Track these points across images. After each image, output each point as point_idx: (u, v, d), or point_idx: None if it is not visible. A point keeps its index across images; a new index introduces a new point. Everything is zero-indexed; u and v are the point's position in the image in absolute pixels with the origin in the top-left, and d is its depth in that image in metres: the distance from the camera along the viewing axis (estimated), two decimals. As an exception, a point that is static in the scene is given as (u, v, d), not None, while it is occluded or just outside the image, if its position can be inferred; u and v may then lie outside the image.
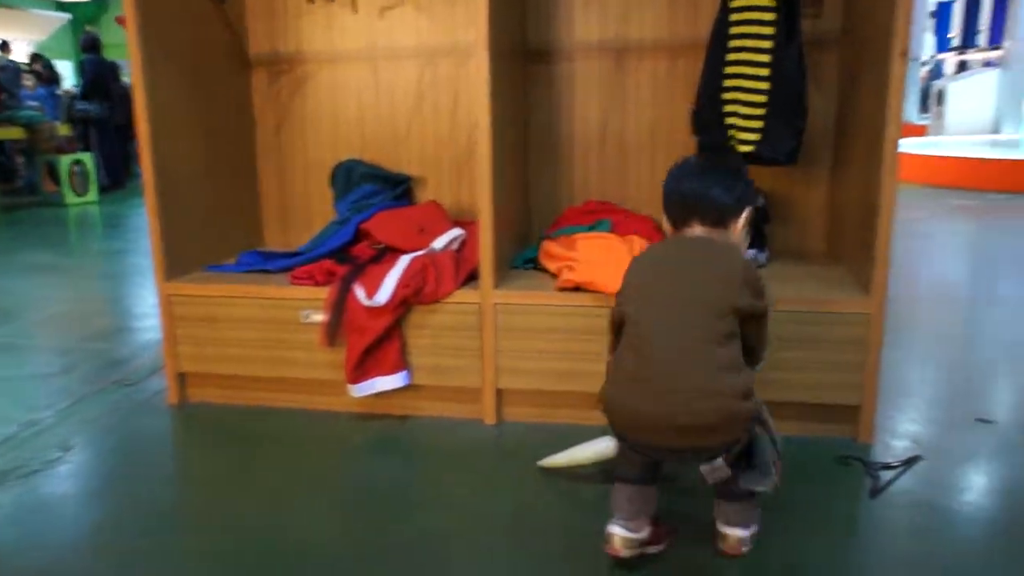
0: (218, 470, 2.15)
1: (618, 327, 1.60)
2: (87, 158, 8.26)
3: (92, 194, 8.22)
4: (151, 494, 2.01)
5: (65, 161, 7.95)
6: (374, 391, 2.30)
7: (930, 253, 4.89)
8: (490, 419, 2.33)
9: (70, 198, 7.97)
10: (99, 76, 9.01)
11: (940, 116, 12.30)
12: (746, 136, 2.30)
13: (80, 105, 8.96)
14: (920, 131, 12.32)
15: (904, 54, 1.90)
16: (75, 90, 10.15)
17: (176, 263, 2.51)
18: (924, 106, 13.97)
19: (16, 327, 3.54)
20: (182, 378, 2.55)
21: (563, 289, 2.22)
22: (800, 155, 2.35)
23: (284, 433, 2.34)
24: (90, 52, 9.12)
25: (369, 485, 2.04)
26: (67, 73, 13.35)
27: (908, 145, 9.13)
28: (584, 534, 1.73)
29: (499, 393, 2.32)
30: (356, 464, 2.17)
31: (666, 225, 1.70)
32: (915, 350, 2.92)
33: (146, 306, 3.79)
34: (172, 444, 2.37)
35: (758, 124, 2.27)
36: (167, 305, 2.47)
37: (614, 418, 1.56)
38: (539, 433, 2.26)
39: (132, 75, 2.32)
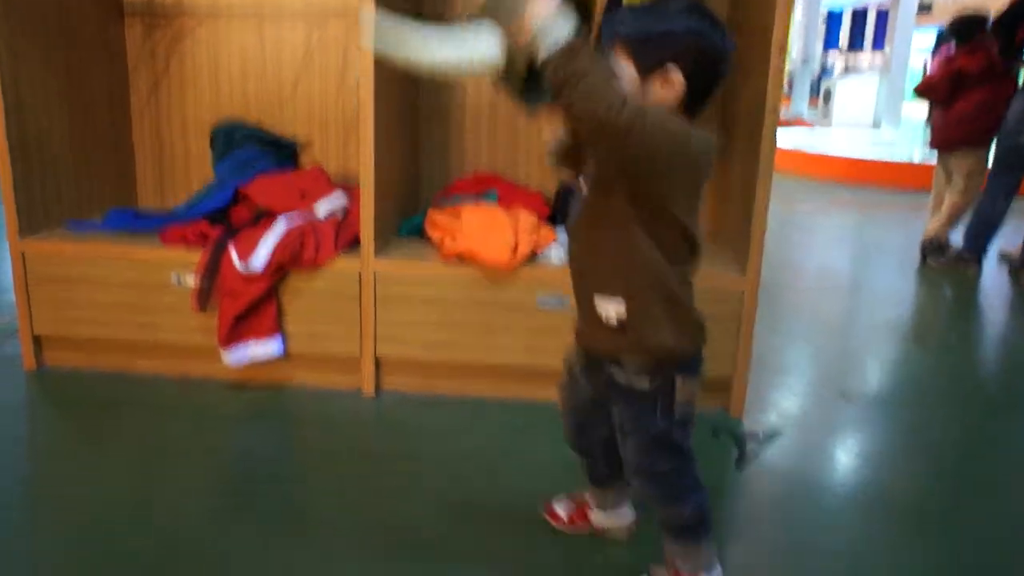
0: (77, 440, 2.03)
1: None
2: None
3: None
4: (1, 465, 1.88)
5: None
6: (248, 359, 2.21)
7: (813, 244, 5.09)
8: (368, 389, 2.28)
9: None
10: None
11: (827, 113, 12.97)
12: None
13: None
14: (809, 125, 12.89)
15: (783, 49, 1.95)
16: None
17: (34, 219, 2.35)
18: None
19: None
20: (38, 341, 2.40)
21: (447, 259, 2.19)
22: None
23: (150, 401, 2.23)
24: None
25: (238, 456, 1.96)
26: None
27: (797, 138, 9.50)
28: (466, 504, 1.72)
29: (378, 363, 2.27)
30: (226, 434, 2.08)
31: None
32: (792, 333, 3.03)
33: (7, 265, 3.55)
34: (26, 412, 2.22)
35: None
36: (19, 263, 2.30)
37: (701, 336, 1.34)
38: (418, 403, 2.23)
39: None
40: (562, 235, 2.27)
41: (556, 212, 2.47)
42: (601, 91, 1.08)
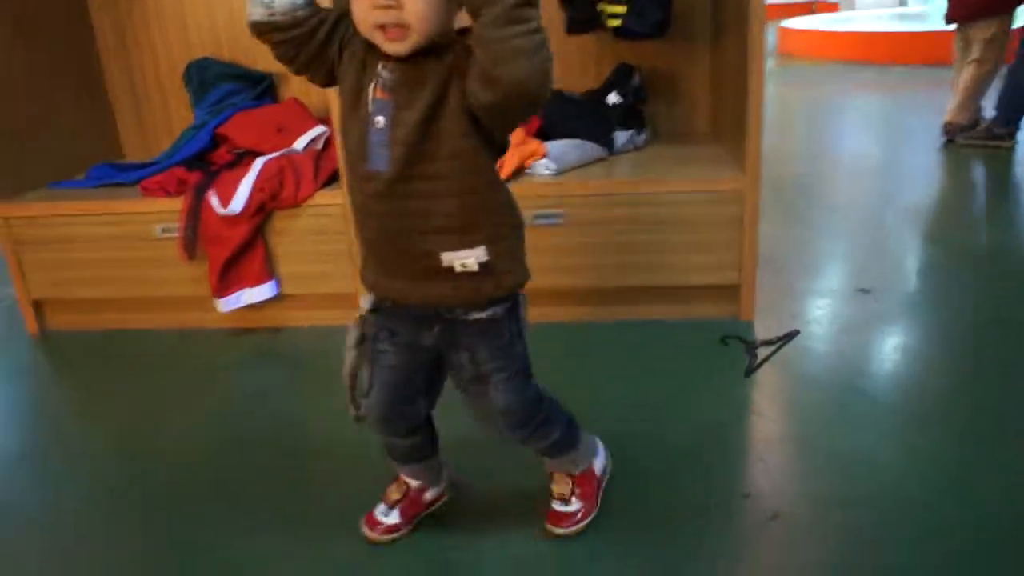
0: (87, 398, 2.04)
1: None
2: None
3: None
4: (20, 427, 1.90)
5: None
6: (241, 304, 2.18)
7: (832, 130, 4.88)
8: (367, 325, 2.23)
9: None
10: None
11: (849, -9, 12.29)
12: (614, 9, 2.17)
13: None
14: (834, 8, 12.27)
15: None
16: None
17: (17, 182, 2.30)
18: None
19: None
20: (37, 306, 2.38)
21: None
22: (671, 26, 2.24)
23: (153, 354, 2.21)
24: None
25: (247, 398, 1.95)
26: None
27: (817, 22, 9.06)
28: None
29: (374, 297, 2.22)
30: (232, 379, 2.07)
31: None
32: (809, 226, 2.91)
33: None
34: (33, 375, 2.23)
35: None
36: (6, 229, 2.26)
37: None
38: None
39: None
40: (553, 147, 2.16)
41: (544, 123, 2.35)
42: (543, 42, 0.95)
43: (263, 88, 2.57)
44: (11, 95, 2.30)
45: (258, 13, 1.07)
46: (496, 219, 1.13)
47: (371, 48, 1.07)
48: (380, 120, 1.06)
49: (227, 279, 2.15)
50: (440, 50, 1.05)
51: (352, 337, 1.23)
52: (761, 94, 1.92)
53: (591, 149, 2.21)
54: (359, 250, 1.22)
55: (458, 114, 1.04)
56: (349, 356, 1.23)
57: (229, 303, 2.17)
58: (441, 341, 1.21)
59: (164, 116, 2.76)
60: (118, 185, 2.36)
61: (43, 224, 2.25)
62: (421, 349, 1.23)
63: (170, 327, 2.34)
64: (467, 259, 1.11)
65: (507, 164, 2.07)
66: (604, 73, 2.46)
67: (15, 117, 2.31)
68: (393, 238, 1.12)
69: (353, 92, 1.09)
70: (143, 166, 2.42)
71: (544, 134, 2.28)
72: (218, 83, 2.53)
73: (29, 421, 1.97)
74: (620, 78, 2.36)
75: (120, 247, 2.24)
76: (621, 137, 2.29)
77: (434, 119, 1.04)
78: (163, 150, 2.68)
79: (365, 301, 1.23)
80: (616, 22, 2.18)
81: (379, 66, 1.07)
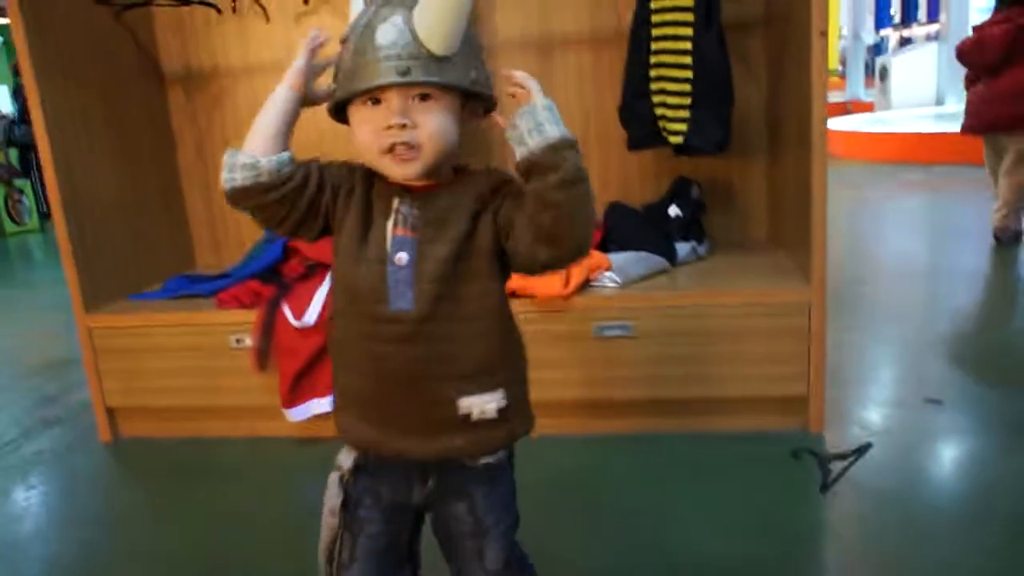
0: (157, 506, 2.06)
1: None
2: (26, 185, 8.00)
3: (33, 222, 7.97)
4: (94, 536, 1.91)
5: (2, 189, 7.69)
6: (311, 415, 2.21)
7: (881, 230, 4.90)
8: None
9: (9, 227, 7.71)
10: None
11: (885, 91, 12.40)
12: (675, 127, 2.25)
13: (18, 130, 8.68)
14: (868, 107, 12.44)
15: (824, 34, 1.85)
16: (12, 115, 9.84)
17: (98, 294, 2.40)
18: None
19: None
20: (111, 413, 2.44)
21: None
22: (730, 143, 2.30)
23: (223, 463, 2.24)
24: (24, 75, 8.83)
25: (312, 509, 1.95)
26: (2, 97, 12.96)
27: (856, 123, 9.20)
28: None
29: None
30: (297, 490, 2.07)
31: None
32: (869, 331, 2.89)
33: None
34: (106, 483, 2.26)
35: (685, 114, 2.22)
36: (88, 339, 2.35)
37: None
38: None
39: (28, 95, 2.17)
40: (617, 260, 2.21)
41: (607, 235, 2.40)
42: (590, 195, 0.96)
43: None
44: (105, 214, 2.43)
45: (242, 178, 1.01)
46: (513, 360, 1.08)
47: (374, 180, 1.05)
48: (403, 257, 1.00)
49: (298, 389, 2.19)
50: (461, 178, 1.04)
51: (334, 500, 1.10)
52: (824, 202, 1.96)
53: (654, 261, 2.26)
54: (336, 398, 1.12)
55: (488, 254, 1.01)
56: (329, 524, 1.10)
57: (299, 413, 2.20)
58: (434, 495, 1.09)
59: (236, 229, 2.88)
60: (194, 296, 2.44)
61: (121, 334, 2.33)
62: (408, 510, 1.11)
63: (241, 435, 2.37)
64: (487, 404, 1.02)
65: (573, 277, 2.11)
66: (663, 186, 2.53)
67: (105, 233, 2.43)
68: (404, 386, 1.02)
69: (358, 231, 1.03)
70: (217, 278, 2.51)
71: (607, 246, 2.34)
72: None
73: (99, 528, 1.99)
74: (680, 191, 2.43)
75: (195, 357, 2.30)
76: (683, 249, 2.33)
77: (463, 256, 1.00)
78: (233, 259, 2.78)
79: (346, 458, 1.11)
80: (678, 139, 2.26)
81: (395, 202, 1.02)
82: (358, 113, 1.00)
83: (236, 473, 2.18)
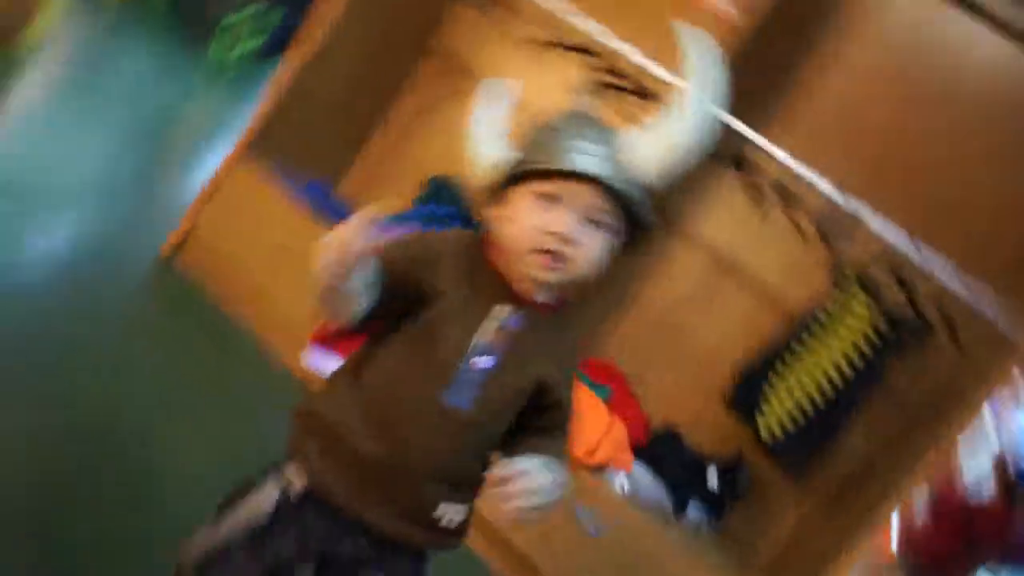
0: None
1: None
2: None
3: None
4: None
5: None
6: (323, 368, 2.24)
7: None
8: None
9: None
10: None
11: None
12: (774, 427, 2.26)
13: None
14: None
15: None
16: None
17: (261, 154, 2.48)
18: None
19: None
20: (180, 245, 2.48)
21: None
22: (805, 474, 2.30)
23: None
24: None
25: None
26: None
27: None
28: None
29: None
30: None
31: None
32: None
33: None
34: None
35: (790, 424, 2.24)
36: (215, 180, 2.45)
37: None
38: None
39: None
40: (638, 471, 2.21)
41: (649, 445, 2.39)
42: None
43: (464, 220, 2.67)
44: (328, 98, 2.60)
45: (350, 313, 0.95)
46: (480, 480, 1.04)
47: (482, 269, 0.99)
48: (482, 361, 0.97)
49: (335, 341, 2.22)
50: (563, 316, 1.02)
51: (266, 499, 1.00)
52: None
53: (664, 500, 2.23)
54: (318, 437, 1.01)
55: (524, 400, 1.01)
56: (227, 523, 1.01)
57: (317, 360, 2.23)
58: (360, 554, 1.01)
59: (391, 185, 2.97)
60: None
61: (250, 193, 2.44)
62: (334, 564, 1.02)
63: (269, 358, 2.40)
64: (456, 515, 1.02)
65: (601, 450, 2.12)
66: (725, 446, 2.45)
67: (312, 114, 2.58)
68: (404, 472, 0.98)
69: (454, 304, 0.97)
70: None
71: (640, 453, 2.31)
72: (445, 200, 2.73)
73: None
74: (731, 464, 2.37)
75: (288, 259, 2.36)
76: (693, 513, 2.30)
77: (529, 394, 1.00)
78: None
79: (298, 479, 1.01)
80: (768, 437, 2.26)
81: (495, 308, 0.98)
82: (524, 201, 0.96)
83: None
